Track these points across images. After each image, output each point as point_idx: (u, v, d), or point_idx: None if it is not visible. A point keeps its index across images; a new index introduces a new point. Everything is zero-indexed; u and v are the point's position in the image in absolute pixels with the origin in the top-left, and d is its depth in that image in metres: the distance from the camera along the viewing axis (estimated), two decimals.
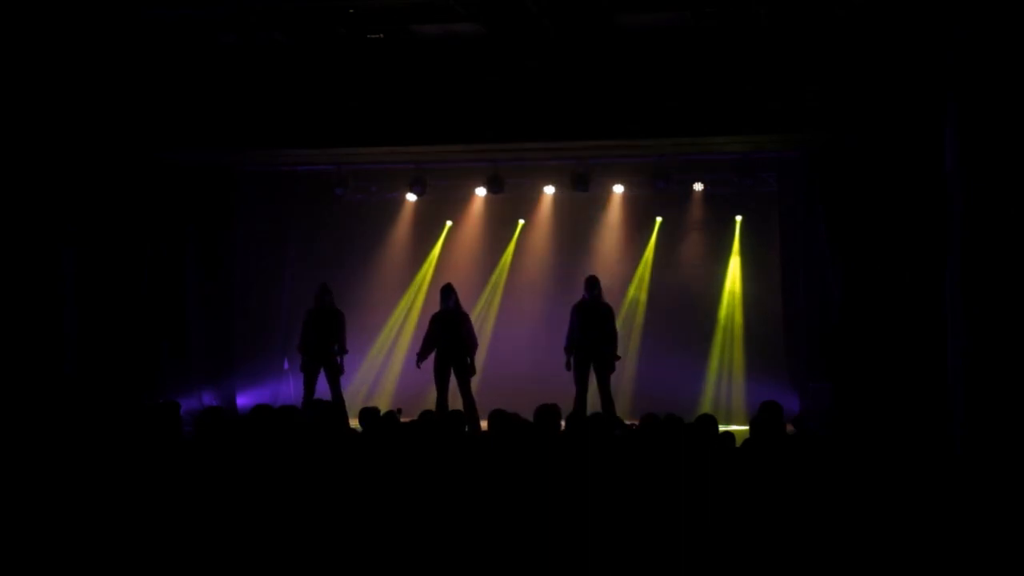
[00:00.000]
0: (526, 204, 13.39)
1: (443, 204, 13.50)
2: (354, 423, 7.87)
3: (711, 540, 4.77)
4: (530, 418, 6.57)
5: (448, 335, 10.85)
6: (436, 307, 11.34)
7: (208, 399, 11.59)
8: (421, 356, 10.94)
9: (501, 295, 13.51)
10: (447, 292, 11.03)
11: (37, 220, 10.12)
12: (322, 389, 11.07)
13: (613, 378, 10.74)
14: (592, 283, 10.96)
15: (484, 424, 6.97)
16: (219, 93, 10.48)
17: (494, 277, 13.57)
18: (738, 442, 6.40)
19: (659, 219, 13.12)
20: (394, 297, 13.68)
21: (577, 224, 13.30)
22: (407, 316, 13.61)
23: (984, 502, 4.98)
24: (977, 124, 7.56)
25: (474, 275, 13.33)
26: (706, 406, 12.04)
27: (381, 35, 9.80)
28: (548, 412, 6.30)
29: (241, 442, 5.94)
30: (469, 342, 10.97)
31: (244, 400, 12.05)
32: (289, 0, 9.18)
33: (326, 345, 11.10)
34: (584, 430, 6.24)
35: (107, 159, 10.63)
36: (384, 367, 13.50)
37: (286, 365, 12.99)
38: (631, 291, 13.03)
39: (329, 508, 5.04)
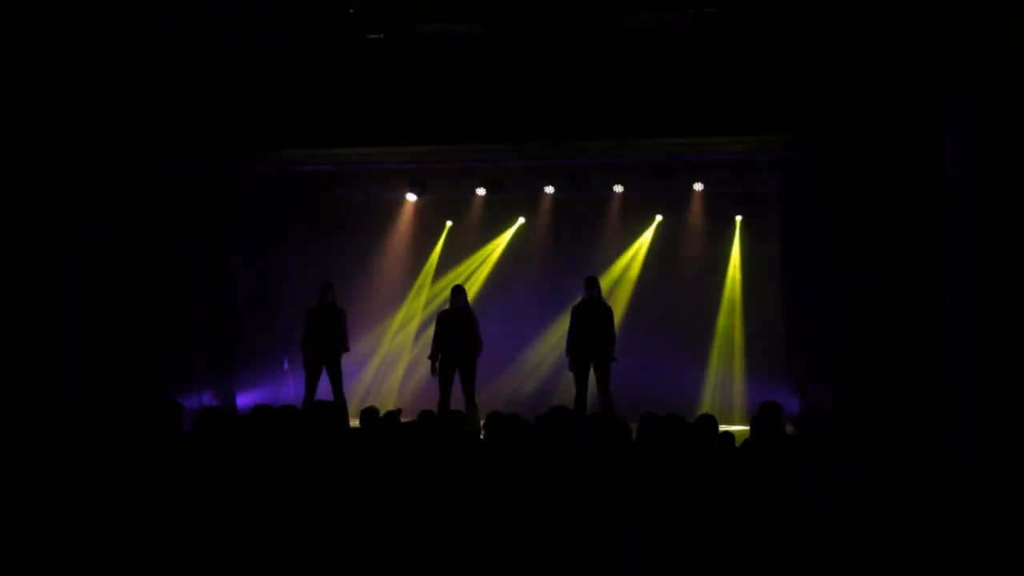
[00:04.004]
0: (526, 204, 13.38)
1: (443, 204, 13.49)
2: (355, 423, 7.86)
3: (711, 540, 4.77)
4: (529, 418, 6.57)
5: (454, 335, 10.82)
6: (433, 306, 11.33)
7: (208, 399, 11.58)
8: (433, 358, 10.89)
9: (501, 295, 13.50)
10: (457, 292, 11.02)
11: (39, 220, 10.13)
12: (323, 391, 11.07)
13: (613, 378, 10.73)
14: (591, 284, 10.96)
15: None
16: (219, 93, 10.48)
17: (494, 277, 13.55)
18: (738, 442, 6.41)
19: (659, 217, 13.12)
20: (394, 297, 13.66)
21: (577, 224, 13.29)
22: (408, 317, 13.60)
23: (986, 503, 4.98)
24: (977, 124, 7.57)
25: (473, 275, 13.32)
26: (706, 406, 12.03)
27: (381, 35, 9.80)
28: (558, 415, 6.31)
29: (241, 442, 5.94)
30: (476, 343, 10.95)
31: (244, 400, 12.04)
32: (289, 0, 9.18)
33: (328, 344, 11.09)
34: (584, 431, 6.24)
35: (108, 159, 10.63)
36: (385, 367, 13.49)
37: (286, 365, 12.98)
38: (631, 291, 13.01)
39: (328, 508, 5.04)
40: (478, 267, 13.42)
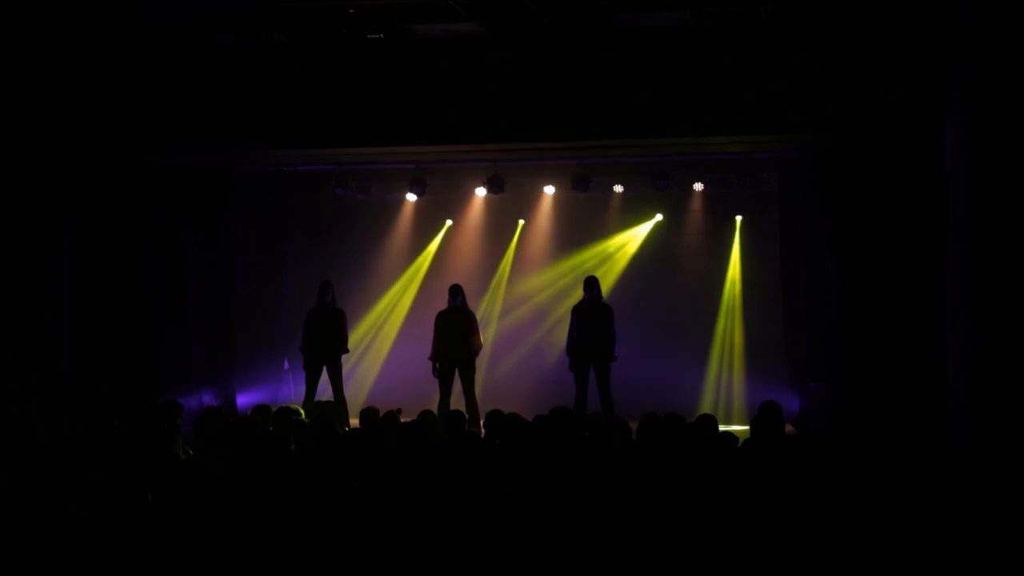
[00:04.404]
0: (526, 204, 13.39)
1: (443, 204, 13.50)
2: (355, 423, 7.84)
3: (711, 540, 4.77)
4: (529, 418, 6.58)
5: (453, 333, 10.82)
6: (433, 305, 11.32)
7: (208, 399, 11.57)
8: (434, 358, 10.90)
9: (502, 295, 13.52)
10: (455, 291, 11.02)
11: (37, 219, 10.13)
12: (323, 391, 11.07)
13: (613, 378, 10.73)
14: (591, 284, 10.96)
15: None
16: (219, 93, 10.48)
17: (495, 278, 13.58)
18: (738, 442, 6.41)
19: (659, 216, 13.13)
20: (394, 297, 13.69)
21: (577, 224, 13.30)
22: (408, 316, 13.61)
23: (986, 501, 4.98)
24: (977, 124, 7.57)
25: (474, 275, 13.33)
26: (706, 406, 12.04)
27: (381, 35, 9.80)
28: (558, 415, 6.32)
29: (240, 442, 5.94)
30: (475, 342, 10.94)
31: (244, 400, 12.04)
32: (289, 0, 9.18)
33: (328, 344, 11.09)
34: (584, 431, 6.24)
35: (107, 158, 10.64)
36: (384, 367, 13.51)
37: (286, 365, 12.99)
38: (631, 290, 13.01)
39: (327, 508, 5.04)
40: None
